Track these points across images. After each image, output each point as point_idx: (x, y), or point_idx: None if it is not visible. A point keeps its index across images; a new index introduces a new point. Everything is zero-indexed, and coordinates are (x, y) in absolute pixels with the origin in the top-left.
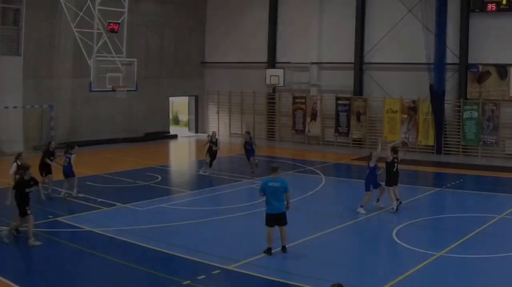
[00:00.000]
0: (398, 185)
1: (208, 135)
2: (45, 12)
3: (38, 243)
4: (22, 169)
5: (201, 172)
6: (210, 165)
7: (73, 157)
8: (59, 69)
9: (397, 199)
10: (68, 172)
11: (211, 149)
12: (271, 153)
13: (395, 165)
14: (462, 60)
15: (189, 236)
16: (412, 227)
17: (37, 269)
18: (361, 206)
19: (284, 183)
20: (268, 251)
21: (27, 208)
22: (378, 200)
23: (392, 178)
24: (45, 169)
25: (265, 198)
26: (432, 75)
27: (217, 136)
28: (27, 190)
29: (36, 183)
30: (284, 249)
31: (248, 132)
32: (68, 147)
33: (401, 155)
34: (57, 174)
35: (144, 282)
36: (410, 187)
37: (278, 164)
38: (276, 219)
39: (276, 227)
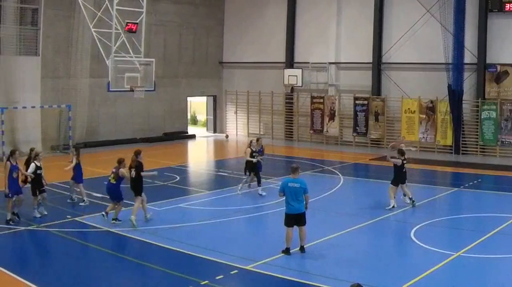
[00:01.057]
0: (407, 183)
1: (252, 144)
2: (63, 12)
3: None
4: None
5: (238, 191)
6: (259, 182)
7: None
8: (77, 69)
9: (410, 198)
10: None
11: (251, 161)
12: (289, 153)
13: (404, 165)
14: (480, 60)
15: (207, 236)
16: (430, 227)
17: (54, 268)
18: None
19: (304, 184)
20: (287, 251)
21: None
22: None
23: (401, 178)
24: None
25: (284, 198)
26: (450, 75)
27: (262, 144)
28: None
29: None
30: (302, 249)
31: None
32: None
33: (403, 147)
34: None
35: (162, 282)
36: (428, 186)
37: (298, 164)
38: (295, 219)
39: (295, 227)
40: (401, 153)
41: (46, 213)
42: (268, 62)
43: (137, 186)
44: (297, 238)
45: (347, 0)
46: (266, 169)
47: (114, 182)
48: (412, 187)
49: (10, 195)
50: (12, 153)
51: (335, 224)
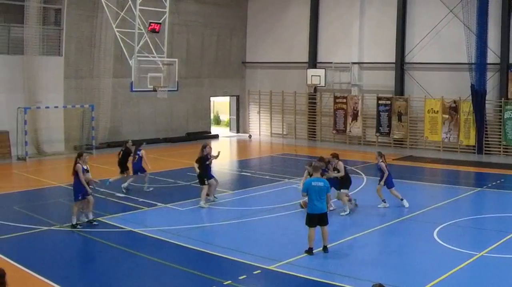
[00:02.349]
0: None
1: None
2: (86, 12)
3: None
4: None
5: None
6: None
7: (142, 153)
8: (100, 69)
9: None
10: (138, 168)
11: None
12: (312, 153)
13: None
14: (503, 60)
15: (229, 236)
16: (453, 227)
17: (77, 268)
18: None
19: (327, 183)
20: (310, 251)
21: None
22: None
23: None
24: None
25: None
26: (473, 75)
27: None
28: None
29: None
30: (325, 249)
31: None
32: (137, 145)
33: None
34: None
35: (185, 282)
36: (451, 186)
37: (320, 164)
38: (318, 219)
39: (317, 227)
40: (380, 155)
41: (86, 219)
42: (291, 62)
43: (200, 175)
44: (320, 238)
45: (370, 0)
46: (289, 169)
47: None
48: (435, 187)
49: (80, 197)
50: (80, 155)
51: (358, 224)
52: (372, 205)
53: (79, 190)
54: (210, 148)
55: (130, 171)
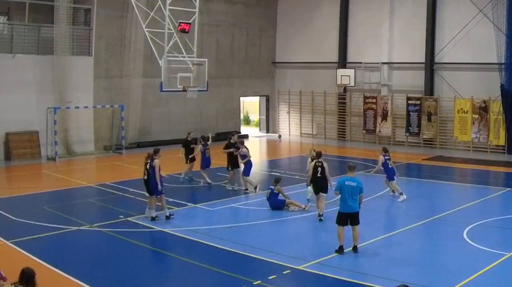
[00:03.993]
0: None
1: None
2: (116, 12)
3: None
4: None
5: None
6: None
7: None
8: (129, 69)
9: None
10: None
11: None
12: (342, 153)
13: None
14: None
15: (259, 236)
16: (483, 227)
17: (106, 268)
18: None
19: (360, 183)
20: (340, 250)
21: None
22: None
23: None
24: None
25: (339, 197)
26: (502, 75)
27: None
28: None
29: None
30: (355, 249)
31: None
32: (204, 139)
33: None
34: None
35: (215, 282)
36: (481, 186)
37: (354, 163)
38: (349, 218)
39: (346, 227)
40: (385, 150)
41: (153, 215)
42: (321, 62)
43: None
44: (350, 237)
45: (400, 0)
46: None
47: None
48: (464, 187)
49: (162, 191)
50: (156, 151)
51: (388, 224)
52: (400, 205)
53: (157, 185)
54: (238, 138)
55: (194, 164)
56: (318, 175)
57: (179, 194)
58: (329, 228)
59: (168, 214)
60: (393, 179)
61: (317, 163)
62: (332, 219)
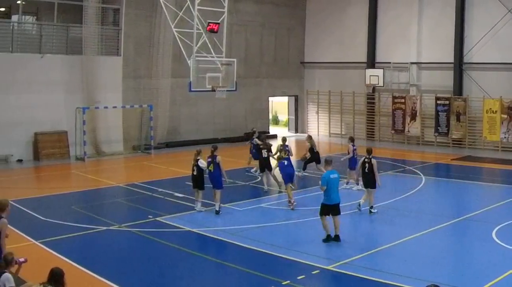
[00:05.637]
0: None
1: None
2: (145, 12)
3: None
4: None
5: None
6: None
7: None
8: (158, 69)
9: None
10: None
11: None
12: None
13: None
14: None
15: (288, 236)
16: None
17: (135, 268)
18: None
19: (339, 174)
20: (328, 238)
21: None
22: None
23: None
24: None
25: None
26: None
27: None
28: None
29: None
30: (337, 238)
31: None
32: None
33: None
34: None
35: (243, 282)
36: (510, 187)
37: (330, 157)
38: (332, 209)
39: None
40: (352, 139)
41: (201, 209)
42: (350, 62)
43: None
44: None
45: (428, 0)
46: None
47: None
48: (493, 187)
49: (222, 186)
50: (216, 148)
51: (417, 224)
52: (430, 205)
53: (221, 180)
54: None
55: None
56: (366, 170)
57: (208, 193)
58: (358, 228)
59: (218, 209)
60: (354, 169)
61: (365, 159)
62: (360, 218)
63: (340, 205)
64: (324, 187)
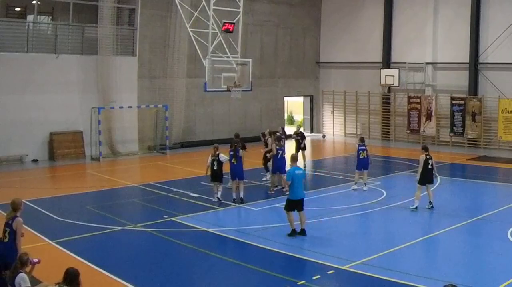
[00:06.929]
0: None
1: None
2: (160, 12)
3: None
4: None
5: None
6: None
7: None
8: (173, 69)
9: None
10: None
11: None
12: (385, 153)
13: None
14: None
15: (303, 236)
16: None
17: (151, 268)
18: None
19: (304, 170)
20: (293, 233)
21: None
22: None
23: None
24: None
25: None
26: None
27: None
28: None
29: None
30: (303, 232)
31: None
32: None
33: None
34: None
35: (259, 282)
36: None
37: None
38: (298, 204)
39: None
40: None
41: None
42: (365, 62)
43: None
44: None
45: (444, 0)
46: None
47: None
48: (509, 187)
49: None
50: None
51: (432, 223)
52: (445, 205)
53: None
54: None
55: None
56: (429, 167)
57: (223, 194)
58: (374, 228)
59: (243, 197)
60: (360, 170)
61: (427, 156)
62: (376, 218)
63: (354, 205)
64: (289, 182)
